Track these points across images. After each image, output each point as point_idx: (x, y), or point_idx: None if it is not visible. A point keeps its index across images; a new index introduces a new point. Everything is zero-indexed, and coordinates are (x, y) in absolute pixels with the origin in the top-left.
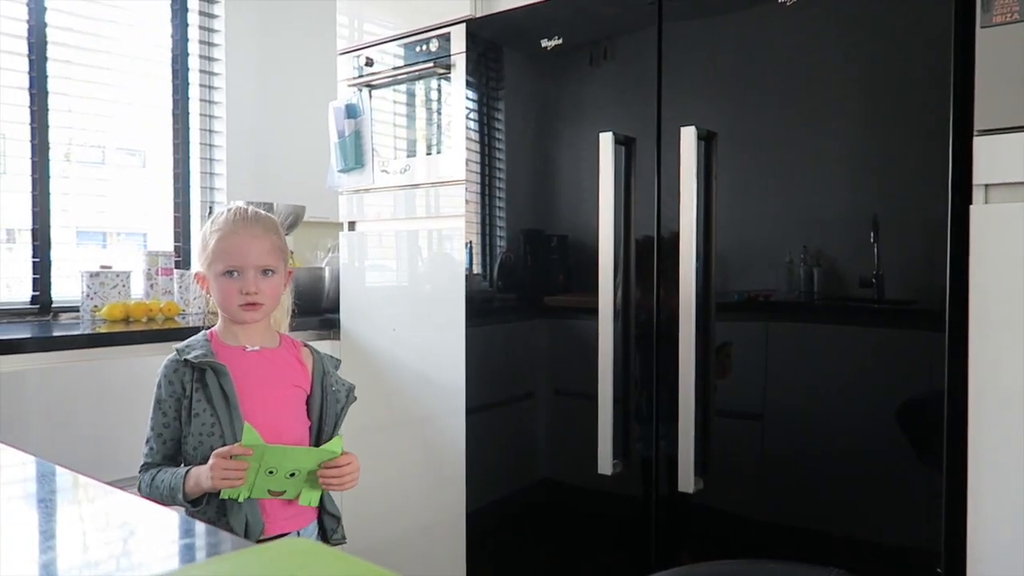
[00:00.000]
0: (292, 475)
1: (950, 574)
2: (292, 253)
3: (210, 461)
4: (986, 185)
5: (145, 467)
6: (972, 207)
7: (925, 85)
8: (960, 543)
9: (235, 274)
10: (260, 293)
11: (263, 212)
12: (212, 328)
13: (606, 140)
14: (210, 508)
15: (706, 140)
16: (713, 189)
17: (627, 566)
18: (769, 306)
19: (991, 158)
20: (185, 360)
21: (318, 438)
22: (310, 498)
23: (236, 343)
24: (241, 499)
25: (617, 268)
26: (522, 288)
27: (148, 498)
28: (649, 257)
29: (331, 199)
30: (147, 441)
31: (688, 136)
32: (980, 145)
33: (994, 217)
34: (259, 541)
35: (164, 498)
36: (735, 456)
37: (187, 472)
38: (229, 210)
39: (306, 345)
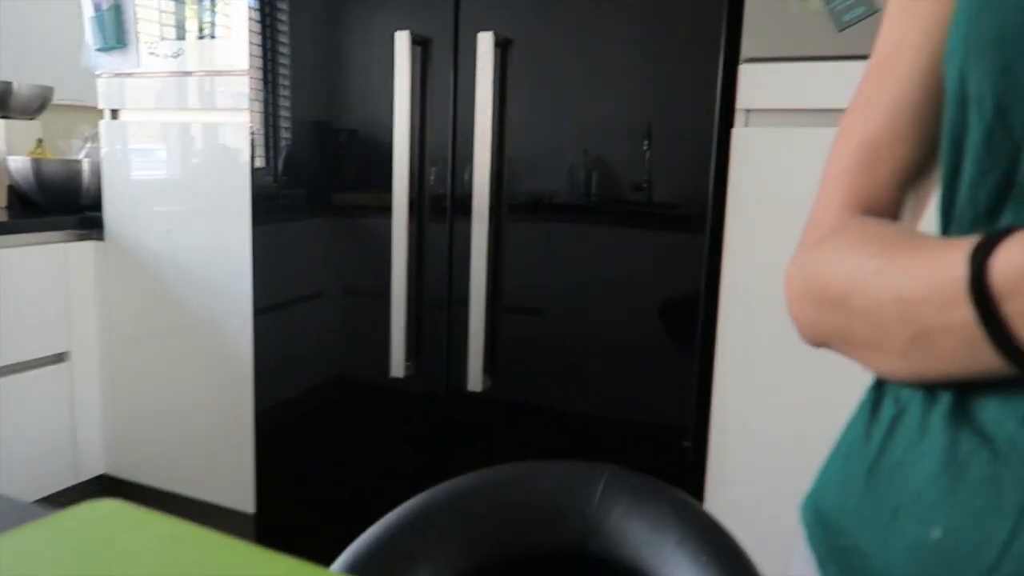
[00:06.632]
0: None
1: (696, 445)
2: (41, 141)
3: None
4: (747, 110)
5: None
6: (734, 129)
7: (702, 11)
8: (704, 419)
9: None
10: None
11: None
12: None
13: (402, 38)
14: None
15: (503, 47)
16: (507, 94)
17: (420, 466)
18: (552, 208)
19: (753, 85)
20: None
21: None
22: None
23: None
24: None
25: (412, 168)
26: (310, 184)
27: None
28: (444, 158)
29: (87, 81)
30: None
31: (485, 41)
32: (745, 72)
33: (752, 139)
34: None
35: None
36: (518, 352)
37: None
38: None
39: None
